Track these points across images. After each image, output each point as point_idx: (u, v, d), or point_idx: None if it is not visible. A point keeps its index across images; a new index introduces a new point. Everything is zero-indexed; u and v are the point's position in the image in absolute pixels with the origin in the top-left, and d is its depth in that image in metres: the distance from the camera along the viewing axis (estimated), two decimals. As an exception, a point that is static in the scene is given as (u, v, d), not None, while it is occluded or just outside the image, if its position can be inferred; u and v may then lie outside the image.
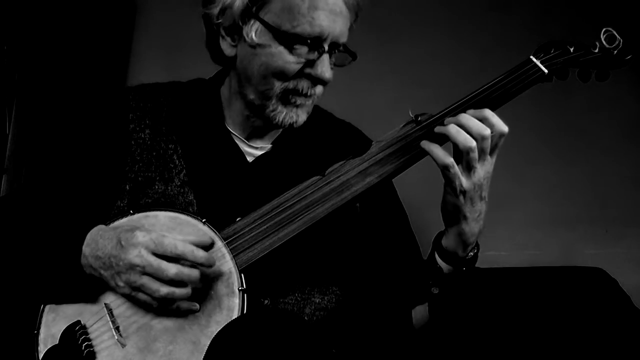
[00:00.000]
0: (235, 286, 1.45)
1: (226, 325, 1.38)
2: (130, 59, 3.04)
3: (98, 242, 1.45)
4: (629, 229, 2.88)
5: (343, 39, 1.55)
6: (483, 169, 1.47)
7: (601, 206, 2.91)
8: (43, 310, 1.51)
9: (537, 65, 1.51)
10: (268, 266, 1.51)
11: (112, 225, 1.52)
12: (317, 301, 1.62)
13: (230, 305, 1.44)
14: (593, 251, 2.84)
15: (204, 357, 1.36)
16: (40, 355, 1.47)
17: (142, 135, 1.63)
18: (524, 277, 2.36)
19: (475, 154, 1.44)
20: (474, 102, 1.50)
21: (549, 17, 2.96)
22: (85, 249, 1.46)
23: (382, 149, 1.55)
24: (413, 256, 1.71)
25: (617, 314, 2.21)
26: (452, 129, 1.45)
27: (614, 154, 2.92)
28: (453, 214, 1.51)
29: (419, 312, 1.63)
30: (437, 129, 1.48)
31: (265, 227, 1.51)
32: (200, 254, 1.43)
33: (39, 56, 2.83)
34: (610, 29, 1.54)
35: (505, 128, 1.46)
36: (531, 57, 1.52)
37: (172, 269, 1.40)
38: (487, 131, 1.44)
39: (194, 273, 1.41)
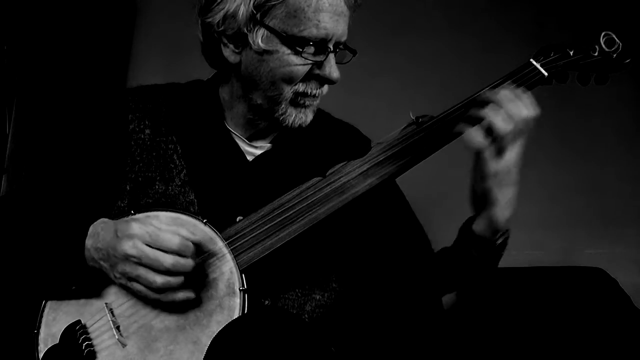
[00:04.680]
0: (236, 286, 1.45)
1: (227, 325, 1.38)
2: (130, 59, 3.05)
3: (99, 234, 1.46)
4: (629, 229, 2.89)
5: (344, 38, 1.56)
6: (514, 152, 1.47)
7: (601, 206, 2.91)
8: (43, 310, 1.51)
9: (537, 68, 1.53)
10: (269, 265, 1.51)
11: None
12: (318, 298, 1.62)
13: (231, 305, 1.44)
14: (593, 251, 2.85)
15: (205, 356, 1.36)
16: (41, 355, 1.47)
17: (142, 136, 1.64)
18: (524, 277, 2.37)
19: (510, 137, 1.45)
20: (474, 104, 1.51)
21: (549, 17, 2.96)
22: (88, 241, 1.46)
23: (383, 150, 1.56)
24: (423, 246, 1.71)
25: (617, 314, 2.21)
26: (491, 112, 1.45)
27: (614, 154, 2.93)
28: (483, 198, 1.50)
29: (446, 299, 1.63)
30: (473, 111, 1.49)
31: (266, 227, 1.51)
32: (192, 249, 1.43)
33: (39, 56, 2.83)
34: (609, 32, 1.55)
35: (537, 111, 1.46)
36: (531, 60, 1.54)
37: (168, 260, 1.40)
38: (526, 113, 1.45)
39: (190, 263, 1.42)
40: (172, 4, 2.89)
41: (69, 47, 2.88)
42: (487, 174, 1.47)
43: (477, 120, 1.49)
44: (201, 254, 1.47)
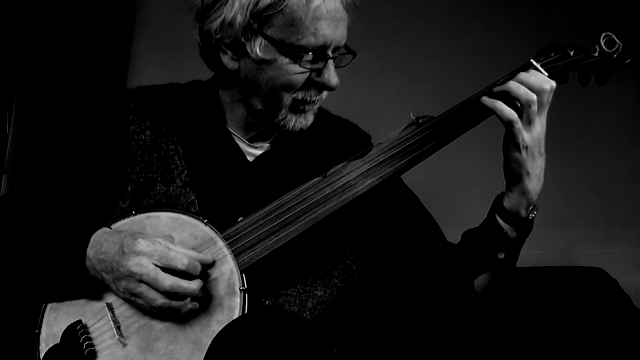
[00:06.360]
0: (237, 286, 1.45)
1: (227, 324, 1.38)
2: (130, 59, 3.05)
3: (102, 244, 1.46)
4: (629, 229, 2.90)
5: (344, 41, 1.56)
6: (540, 124, 1.51)
7: (601, 206, 2.92)
8: (44, 310, 1.50)
9: (538, 69, 1.53)
10: (270, 264, 1.52)
11: (115, 226, 1.52)
12: (320, 294, 1.62)
13: (231, 305, 1.44)
14: (593, 251, 2.85)
15: (205, 356, 1.36)
16: (42, 355, 1.47)
17: (143, 137, 1.63)
18: (524, 277, 2.36)
19: (536, 107, 1.49)
20: (475, 104, 1.52)
21: (549, 17, 2.97)
22: (90, 251, 1.46)
23: (383, 150, 1.56)
24: (437, 235, 1.72)
25: (617, 314, 2.21)
26: (513, 85, 1.49)
27: (614, 154, 2.94)
28: (516, 171, 1.53)
29: (477, 281, 1.64)
30: (497, 88, 1.52)
31: (267, 227, 1.51)
32: (199, 268, 1.43)
33: (39, 56, 2.84)
34: (609, 33, 1.56)
35: (554, 82, 1.51)
36: (532, 60, 1.54)
37: (167, 281, 1.40)
38: (547, 85, 1.49)
39: (192, 286, 1.42)
40: (171, 3, 2.89)
41: (69, 47, 2.88)
42: (520, 146, 1.50)
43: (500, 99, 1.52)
44: (208, 268, 1.47)
